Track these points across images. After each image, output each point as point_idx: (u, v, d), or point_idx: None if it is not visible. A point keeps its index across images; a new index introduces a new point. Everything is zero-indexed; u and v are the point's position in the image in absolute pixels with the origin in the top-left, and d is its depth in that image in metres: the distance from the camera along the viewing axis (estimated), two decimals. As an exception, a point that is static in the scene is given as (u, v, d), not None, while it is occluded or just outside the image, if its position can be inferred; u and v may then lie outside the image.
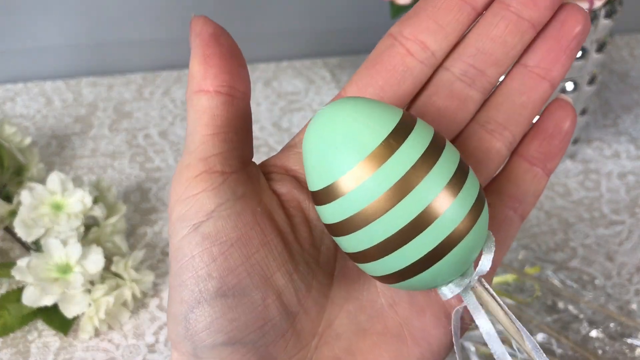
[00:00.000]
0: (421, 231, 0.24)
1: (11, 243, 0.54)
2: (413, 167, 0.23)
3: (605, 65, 0.77)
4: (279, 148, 0.64)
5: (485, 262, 0.26)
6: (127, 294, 0.48)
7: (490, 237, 0.26)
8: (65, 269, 0.46)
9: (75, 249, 0.46)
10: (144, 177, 0.61)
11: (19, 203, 0.49)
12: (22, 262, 0.46)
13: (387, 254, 0.24)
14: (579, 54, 0.55)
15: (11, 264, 0.47)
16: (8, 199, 0.52)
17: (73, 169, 0.62)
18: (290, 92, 0.72)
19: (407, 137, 0.24)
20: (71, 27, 0.71)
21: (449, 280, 0.25)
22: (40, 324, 0.48)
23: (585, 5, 0.53)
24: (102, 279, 0.48)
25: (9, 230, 0.52)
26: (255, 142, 0.65)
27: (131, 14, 0.72)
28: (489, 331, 0.26)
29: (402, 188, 0.23)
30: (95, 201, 0.51)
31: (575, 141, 0.63)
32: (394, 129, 0.24)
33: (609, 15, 0.54)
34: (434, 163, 0.24)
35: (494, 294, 0.26)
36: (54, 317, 0.47)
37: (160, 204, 0.58)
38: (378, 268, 0.25)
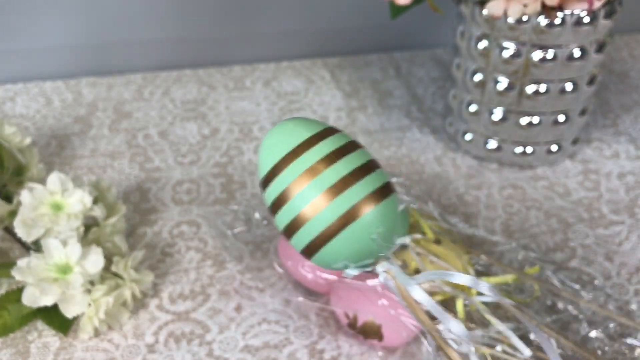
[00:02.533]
0: (302, 226, 0.32)
1: (11, 243, 0.54)
2: (320, 161, 0.31)
3: (605, 66, 0.77)
4: (279, 148, 0.64)
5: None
6: (126, 294, 0.48)
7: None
8: (65, 269, 0.46)
9: (75, 249, 0.46)
10: (143, 177, 0.61)
11: (19, 203, 0.49)
12: (22, 263, 0.46)
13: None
14: (579, 54, 0.55)
15: (11, 264, 0.47)
16: (8, 199, 0.52)
17: (73, 169, 0.62)
18: (290, 92, 0.72)
19: (317, 144, 0.32)
20: (71, 27, 0.71)
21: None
22: (40, 324, 0.48)
23: (584, 6, 0.53)
24: (102, 279, 0.48)
25: (9, 230, 0.52)
26: (255, 142, 0.65)
27: (131, 14, 0.72)
28: (423, 298, 0.32)
29: (312, 173, 0.31)
30: (95, 201, 0.51)
31: (575, 141, 0.63)
32: (309, 137, 0.32)
33: (608, 15, 0.54)
34: (339, 159, 0.32)
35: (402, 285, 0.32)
36: (53, 317, 0.47)
37: (160, 204, 0.58)
38: (296, 244, 0.33)
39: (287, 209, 0.32)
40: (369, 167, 0.32)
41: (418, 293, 0.31)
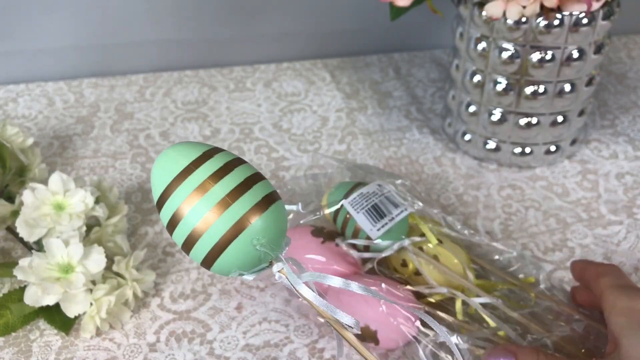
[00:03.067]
0: (197, 239, 0.34)
1: (13, 243, 0.54)
2: (207, 178, 0.34)
3: (603, 67, 0.77)
4: (279, 149, 0.64)
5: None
6: (128, 293, 0.48)
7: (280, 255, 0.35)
8: (67, 269, 0.46)
9: (76, 248, 0.46)
10: (145, 177, 0.61)
11: (21, 203, 0.50)
12: (24, 262, 0.46)
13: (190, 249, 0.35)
14: (577, 55, 0.56)
15: (13, 263, 0.48)
16: (10, 199, 0.52)
17: (75, 169, 0.62)
18: (290, 93, 0.73)
19: (203, 163, 0.34)
20: (73, 29, 0.72)
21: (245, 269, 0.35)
22: (42, 324, 0.48)
23: (583, 7, 0.53)
24: (104, 278, 0.48)
25: (11, 230, 0.52)
26: (255, 143, 0.65)
27: (132, 16, 0.72)
28: (309, 295, 0.34)
29: (202, 191, 0.33)
30: (97, 201, 0.51)
31: (574, 142, 0.63)
32: (194, 159, 0.34)
33: (606, 16, 0.55)
34: (225, 175, 0.34)
35: (294, 283, 0.34)
36: (55, 316, 0.47)
37: (161, 204, 0.59)
38: (195, 257, 0.35)
39: (182, 227, 0.34)
40: (253, 180, 0.35)
41: (305, 290, 0.34)
